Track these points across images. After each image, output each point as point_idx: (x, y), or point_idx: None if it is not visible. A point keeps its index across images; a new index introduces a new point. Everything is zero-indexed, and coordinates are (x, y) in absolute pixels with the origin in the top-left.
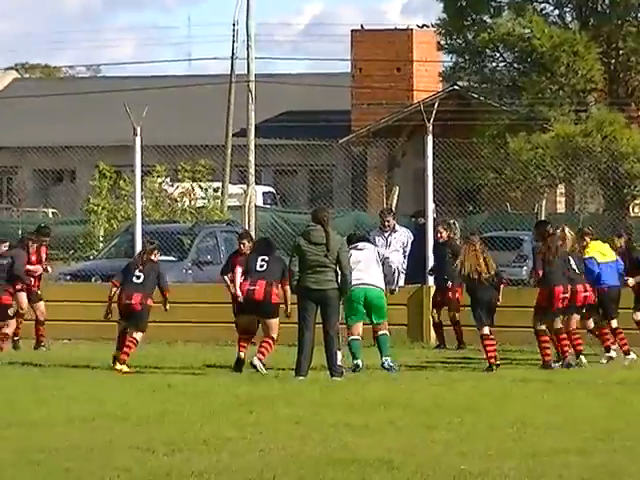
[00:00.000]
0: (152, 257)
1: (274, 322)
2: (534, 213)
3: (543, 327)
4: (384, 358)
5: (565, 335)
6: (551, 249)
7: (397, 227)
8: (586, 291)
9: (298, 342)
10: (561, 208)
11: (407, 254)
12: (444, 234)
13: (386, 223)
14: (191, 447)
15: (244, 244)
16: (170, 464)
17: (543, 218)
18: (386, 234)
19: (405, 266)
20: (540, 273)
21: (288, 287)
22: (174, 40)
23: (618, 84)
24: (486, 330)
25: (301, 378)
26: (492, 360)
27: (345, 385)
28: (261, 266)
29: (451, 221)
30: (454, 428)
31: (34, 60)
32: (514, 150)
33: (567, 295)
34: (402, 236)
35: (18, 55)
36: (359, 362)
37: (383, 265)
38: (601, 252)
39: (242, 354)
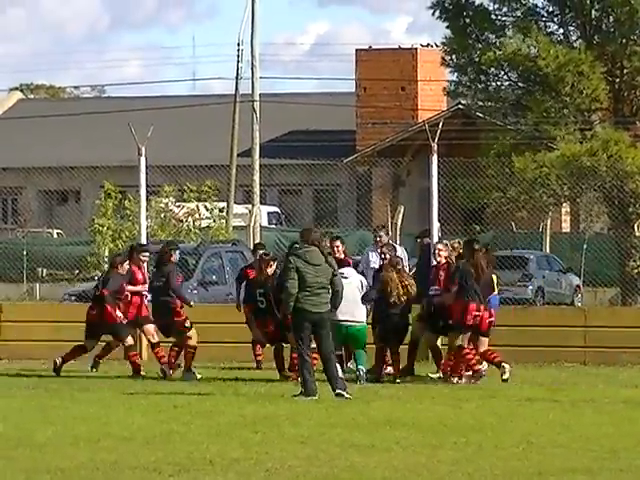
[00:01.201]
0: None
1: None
2: (539, 232)
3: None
4: (360, 367)
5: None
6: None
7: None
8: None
9: (301, 365)
10: (566, 227)
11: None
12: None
13: (378, 239)
14: (197, 467)
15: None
16: None
17: (548, 237)
18: (378, 251)
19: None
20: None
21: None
22: (179, 60)
23: (623, 103)
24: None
25: (314, 398)
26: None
27: (351, 405)
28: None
29: (456, 240)
30: (460, 448)
31: (39, 81)
32: (519, 169)
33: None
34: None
35: (23, 76)
36: (363, 369)
37: None
38: None
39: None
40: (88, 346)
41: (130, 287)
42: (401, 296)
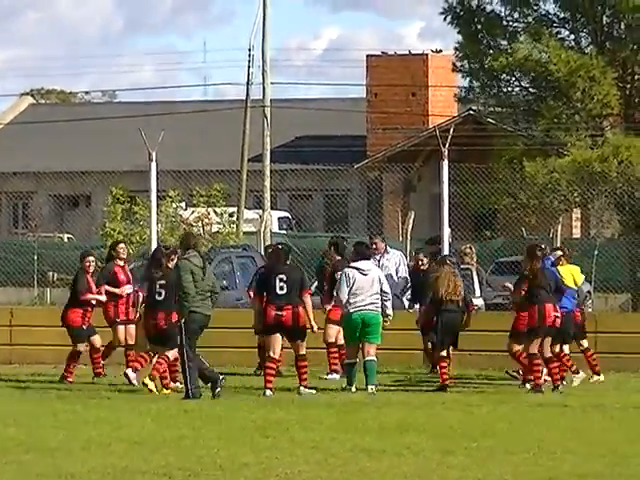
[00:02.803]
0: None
1: (303, 343)
2: (550, 238)
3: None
4: (370, 386)
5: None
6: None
7: (388, 249)
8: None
9: (187, 367)
10: (577, 233)
11: (399, 276)
12: (425, 262)
13: (374, 246)
14: (207, 472)
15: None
16: None
17: (559, 243)
18: (378, 257)
19: (400, 289)
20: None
21: (309, 298)
22: (191, 65)
23: (634, 109)
24: (444, 352)
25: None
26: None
27: (362, 410)
28: (281, 288)
29: (467, 245)
30: (471, 453)
31: (50, 86)
32: (530, 174)
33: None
34: (394, 258)
35: (34, 80)
36: (353, 389)
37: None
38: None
39: (269, 392)
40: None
41: (108, 288)
42: (453, 294)
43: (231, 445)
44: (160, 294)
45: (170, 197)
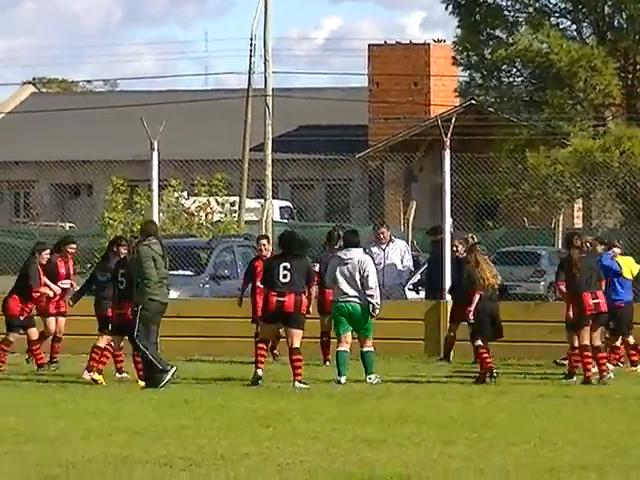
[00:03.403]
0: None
1: (300, 332)
2: (551, 228)
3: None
4: (368, 377)
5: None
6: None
7: (393, 238)
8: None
9: (148, 355)
10: (579, 223)
11: (404, 265)
12: (460, 248)
13: (381, 235)
14: (208, 462)
15: (264, 245)
16: (187, 479)
17: (560, 233)
18: (383, 246)
19: (405, 278)
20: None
21: (315, 289)
22: (192, 54)
23: (636, 99)
24: (480, 342)
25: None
26: (489, 365)
27: (363, 400)
28: (284, 276)
29: (469, 235)
30: (471, 443)
31: (52, 75)
32: (533, 165)
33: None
34: (399, 247)
35: (36, 70)
36: (342, 380)
37: (383, 276)
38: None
39: (260, 372)
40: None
41: (47, 281)
42: (492, 284)
43: (232, 435)
44: (122, 283)
45: (172, 186)
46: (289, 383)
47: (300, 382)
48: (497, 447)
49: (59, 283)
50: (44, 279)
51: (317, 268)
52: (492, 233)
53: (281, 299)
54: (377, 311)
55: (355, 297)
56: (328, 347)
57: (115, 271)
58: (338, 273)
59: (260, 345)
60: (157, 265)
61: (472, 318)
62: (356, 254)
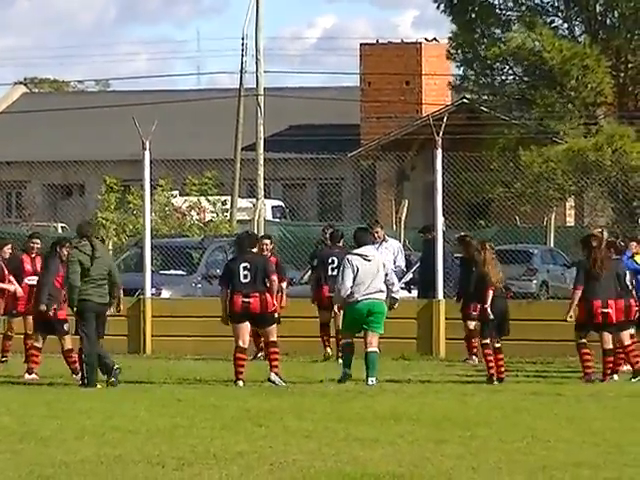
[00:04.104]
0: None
1: (273, 328)
2: (543, 226)
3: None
4: (370, 379)
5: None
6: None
7: (387, 238)
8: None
9: (84, 356)
10: (571, 221)
11: (397, 265)
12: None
13: (375, 234)
14: (201, 461)
15: (266, 245)
16: (180, 478)
17: (552, 232)
18: (376, 245)
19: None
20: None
21: (275, 279)
22: (185, 54)
23: (628, 97)
24: (487, 340)
25: (96, 388)
26: (492, 371)
27: (355, 399)
28: (245, 276)
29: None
30: (464, 442)
31: (44, 75)
32: (526, 163)
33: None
34: (392, 246)
35: (28, 70)
36: (347, 371)
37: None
38: None
39: (241, 383)
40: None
41: (11, 278)
42: (500, 282)
43: (225, 434)
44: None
45: (161, 186)
46: (281, 381)
47: (276, 375)
48: (490, 445)
49: (25, 279)
50: (8, 275)
51: (315, 263)
52: (484, 232)
53: (246, 300)
54: (397, 305)
55: (377, 293)
56: (329, 338)
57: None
58: (361, 271)
59: (238, 355)
60: (85, 267)
61: (491, 315)
62: (374, 251)
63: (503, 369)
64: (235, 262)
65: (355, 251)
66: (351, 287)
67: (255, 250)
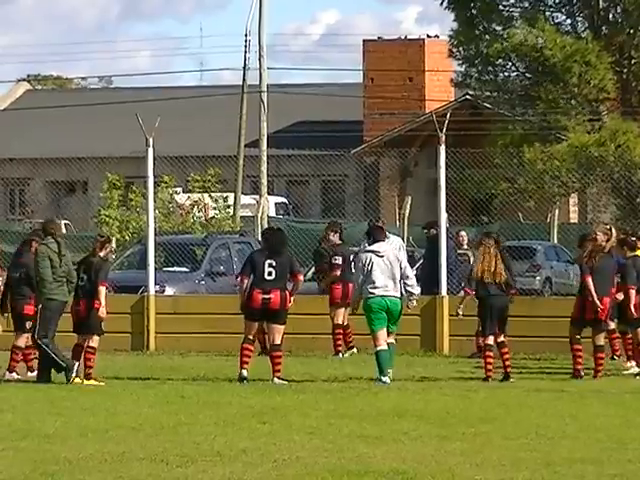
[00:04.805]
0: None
1: (282, 328)
2: (547, 223)
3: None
4: (384, 377)
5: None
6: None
7: (388, 235)
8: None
9: (49, 351)
10: (574, 218)
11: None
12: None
13: None
14: (205, 458)
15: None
16: (184, 475)
17: (556, 228)
18: None
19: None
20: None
21: (301, 278)
22: (188, 50)
23: (630, 93)
24: (490, 340)
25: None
26: (489, 373)
27: (359, 395)
28: (269, 273)
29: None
30: (468, 438)
31: (47, 72)
32: (529, 160)
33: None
34: (395, 244)
35: (31, 67)
36: (387, 380)
37: None
38: None
39: (245, 372)
40: None
41: None
42: (493, 276)
43: (228, 431)
44: (82, 279)
45: (165, 182)
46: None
47: (279, 378)
48: (494, 442)
49: None
50: None
51: (339, 261)
52: (487, 228)
53: (267, 296)
54: (415, 303)
55: (394, 290)
56: (345, 337)
57: (79, 270)
58: (376, 267)
59: (245, 345)
60: (53, 264)
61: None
62: (390, 247)
63: (508, 362)
64: (261, 256)
65: (369, 247)
66: (368, 283)
67: (283, 248)
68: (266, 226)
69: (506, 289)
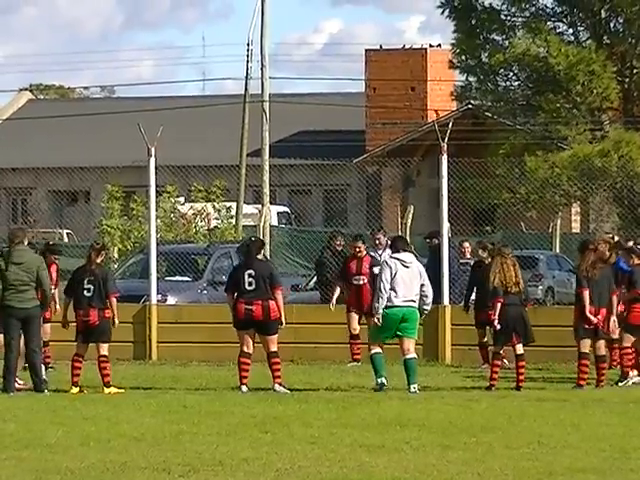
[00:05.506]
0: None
1: (275, 337)
2: (549, 232)
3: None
4: (412, 385)
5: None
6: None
7: (389, 243)
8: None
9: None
10: (576, 227)
11: None
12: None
13: (377, 241)
14: (207, 467)
15: (359, 247)
16: None
17: (558, 237)
18: (380, 252)
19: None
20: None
21: (280, 291)
22: (190, 60)
23: (633, 103)
24: (498, 349)
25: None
26: (493, 382)
27: (361, 405)
28: (249, 283)
29: (464, 241)
30: (470, 448)
31: (49, 81)
32: (531, 169)
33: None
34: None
35: (34, 76)
36: (383, 380)
37: None
38: None
39: (244, 388)
40: None
41: None
42: (510, 285)
43: (230, 440)
44: (89, 290)
45: (168, 192)
46: (286, 390)
47: (280, 385)
48: (496, 451)
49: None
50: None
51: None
52: (489, 237)
53: (249, 307)
54: (427, 311)
55: (413, 301)
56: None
57: (81, 278)
58: (399, 275)
59: (242, 360)
60: (2, 273)
61: (497, 324)
62: (413, 258)
63: (522, 377)
64: (240, 269)
65: (395, 255)
66: (390, 290)
67: (260, 257)
68: (268, 236)
69: (524, 299)
